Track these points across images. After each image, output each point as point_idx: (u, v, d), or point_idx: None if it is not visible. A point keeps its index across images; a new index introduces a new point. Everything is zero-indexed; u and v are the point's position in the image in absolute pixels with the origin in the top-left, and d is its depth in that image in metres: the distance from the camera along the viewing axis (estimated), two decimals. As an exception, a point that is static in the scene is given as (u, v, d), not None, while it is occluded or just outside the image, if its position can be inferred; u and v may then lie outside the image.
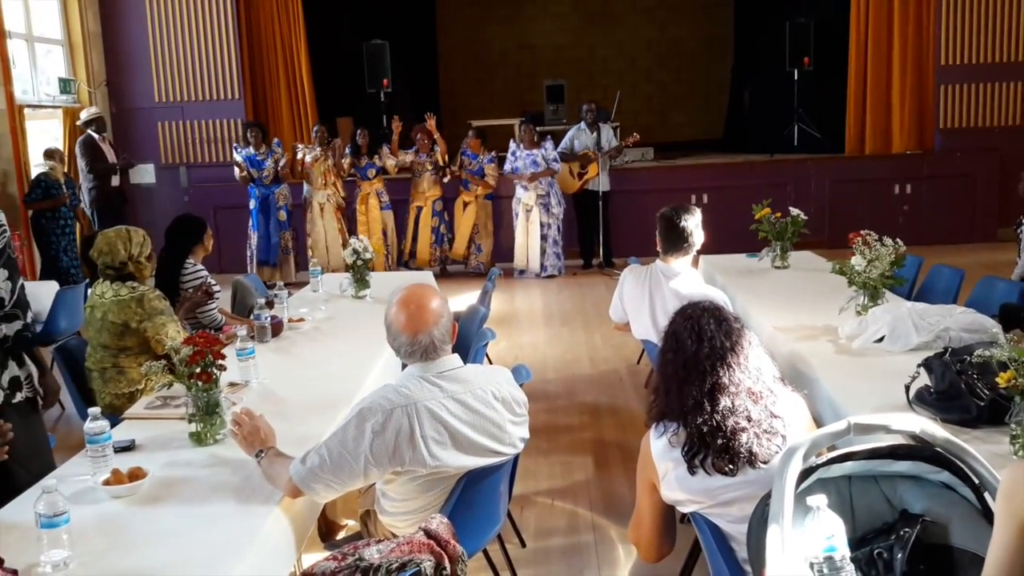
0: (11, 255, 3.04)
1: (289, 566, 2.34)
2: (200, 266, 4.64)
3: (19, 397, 3.11)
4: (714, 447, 2.09)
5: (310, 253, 9.23)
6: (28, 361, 3.15)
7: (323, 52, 11.22)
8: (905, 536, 1.73)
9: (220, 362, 2.75)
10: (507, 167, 9.36)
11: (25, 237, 8.27)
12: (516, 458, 2.64)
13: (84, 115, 9.16)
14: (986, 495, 1.76)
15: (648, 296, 4.06)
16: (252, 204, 9.24)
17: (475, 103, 13.93)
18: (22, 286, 3.06)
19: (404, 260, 9.57)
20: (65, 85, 9.74)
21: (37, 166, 8.49)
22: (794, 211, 5.32)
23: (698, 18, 14.82)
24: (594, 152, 9.29)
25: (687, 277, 4.02)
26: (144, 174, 10.46)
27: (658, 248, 4.09)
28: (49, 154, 8.34)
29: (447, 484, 2.41)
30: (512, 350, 6.49)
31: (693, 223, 3.99)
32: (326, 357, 3.85)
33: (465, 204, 9.53)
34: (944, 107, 10.21)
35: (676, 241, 4.00)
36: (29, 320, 3.08)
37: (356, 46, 10.81)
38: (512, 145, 9.42)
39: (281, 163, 9.16)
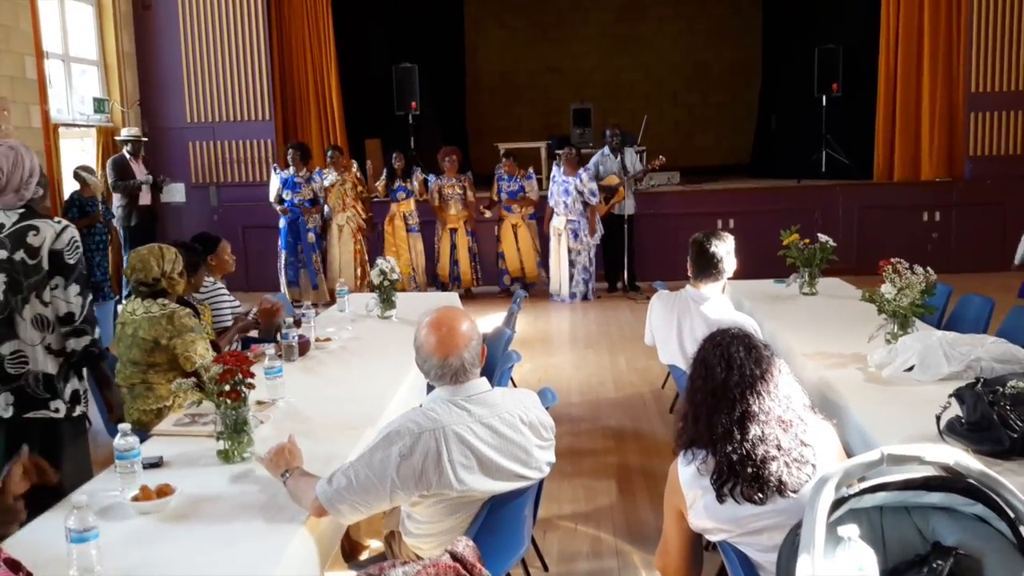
0: (83, 271, 3.12)
1: (314, 585, 2.34)
2: (219, 284, 4.66)
3: (77, 411, 3.19)
4: (743, 476, 2.07)
5: (327, 274, 9.31)
6: (84, 377, 3.21)
7: (353, 74, 11.35)
8: (938, 569, 1.70)
9: (249, 380, 2.77)
10: (548, 192, 9.43)
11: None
12: (541, 482, 2.63)
13: (124, 133, 9.29)
14: (1022, 529, 1.73)
15: (676, 321, 4.05)
16: (282, 224, 9.32)
17: (502, 126, 14.01)
18: (92, 302, 3.13)
19: (444, 283, 9.60)
20: (99, 105, 9.90)
21: (71, 184, 8.61)
22: (823, 237, 5.29)
23: (726, 43, 14.84)
24: (620, 175, 9.31)
25: (717, 303, 4.00)
26: (175, 193, 10.59)
27: (689, 273, 4.08)
28: (80, 173, 8.45)
29: (473, 507, 2.41)
30: (536, 372, 6.48)
31: (724, 249, 3.98)
32: (352, 377, 3.86)
33: (514, 226, 9.57)
34: (974, 134, 10.14)
35: (706, 267, 3.99)
36: (97, 336, 3.15)
37: (385, 69, 10.93)
38: (554, 169, 9.47)
39: (321, 196, 9.23)
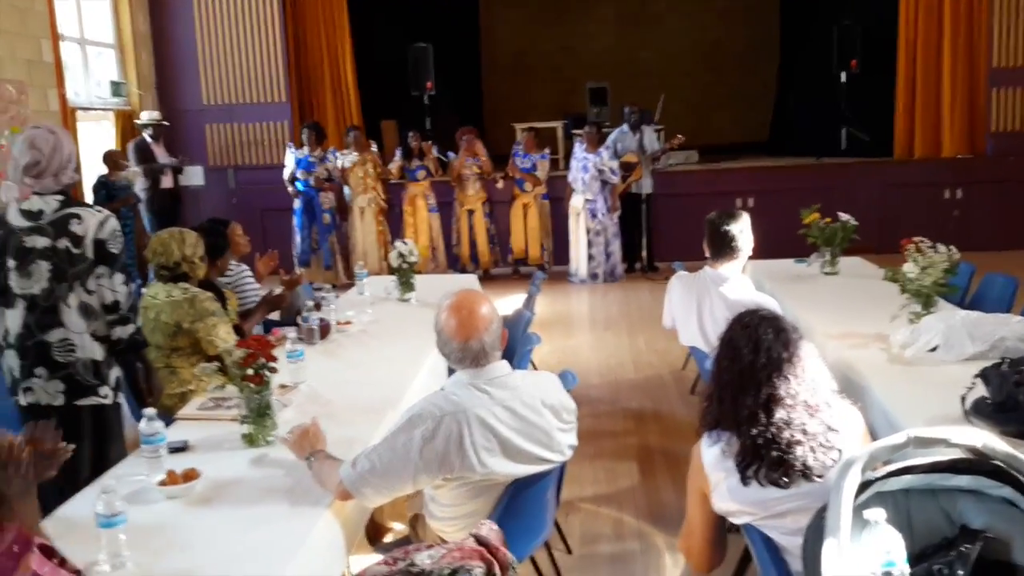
0: (125, 260, 3.13)
1: (339, 568, 2.37)
2: (244, 267, 4.69)
3: (120, 397, 3.23)
4: (768, 459, 2.07)
5: (351, 257, 9.31)
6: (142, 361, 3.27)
7: (367, 55, 11.32)
8: (966, 552, 1.70)
9: (272, 364, 2.79)
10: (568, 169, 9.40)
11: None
12: (563, 465, 2.64)
13: (145, 117, 9.31)
14: (1050, 512, 1.72)
15: (696, 303, 4.04)
16: (296, 205, 9.33)
17: (517, 106, 13.94)
18: (134, 291, 3.15)
19: (463, 265, 9.60)
20: (116, 88, 9.92)
21: (89, 168, 8.66)
22: (844, 216, 5.25)
23: (742, 20, 14.68)
24: (638, 154, 9.26)
25: (737, 283, 3.98)
26: (193, 176, 10.62)
27: (706, 254, 4.06)
28: (114, 157, 8.50)
29: (496, 491, 2.42)
30: (555, 354, 6.48)
31: (738, 228, 3.95)
32: (373, 360, 3.87)
33: (525, 206, 9.54)
34: (996, 110, 10.01)
35: (722, 246, 3.97)
36: (140, 323, 3.18)
37: (400, 49, 10.88)
38: (575, 146, 9.42)
39: (337, 175, 9.23)
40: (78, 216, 3.06)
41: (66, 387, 3.09)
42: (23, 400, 3.13)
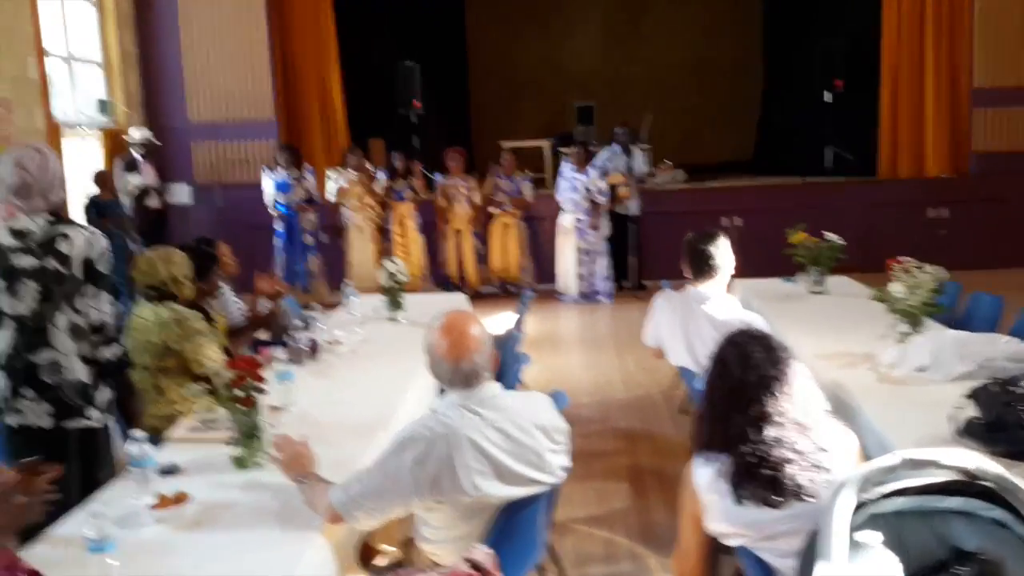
0: (113, 280, 3.11)
1: (331, 592, 2.35)
2: (222, 286, 4.63)
3: (108, 420, 3.19)
4: (760, 478, 2.08)
5: (348, 275, 9.27)
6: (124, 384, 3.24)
7: (355, 73, 11.34)
8: (959, 574, 1.70)
9: (261, 385, 2.77)
10: (555, 188, 9.44)
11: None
12: (555, 488, 2.64)
13: (136, 135, 9.28)
14: (1041, 533, 1.73)
15: (681, 322, 4.05)
16: (279, 227, 9.29)
17: (505, 124, 13.99)
18: (121, 312, 3.13)
19: (456, 284, 9.61)
20: (103, 106, 9.90)
21: (75, 186, 8.62)
22: (830, 236, 5.29)
23: (727, 38, 14.83)
24: (625, 176, 9.31)
25: (721, 302, 4.00)
26: (179, 194, 10.59)
27: (686, 275, 4.09)
28: (102, 177, 8.49)
29: (488, 513, 2.41)
30: (545, 373, 6.48)
31: (715, 247, 3.98)
32: (363, 380, 3.86)
33: (505, 226, 9.57)
34: (979, 130, 10.12)
35: (701, 266, 4.00)
36: (126, 345, 3.16)
37: (387, 67, 10.91)
38: (563, 164, 9.46)
39: (315, 194, 9.22)
40: (66, 235, 3.04)
41: (54, 409, 3.06)
42: (12, 421, 3.10)
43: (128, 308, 5.95)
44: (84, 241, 3.05)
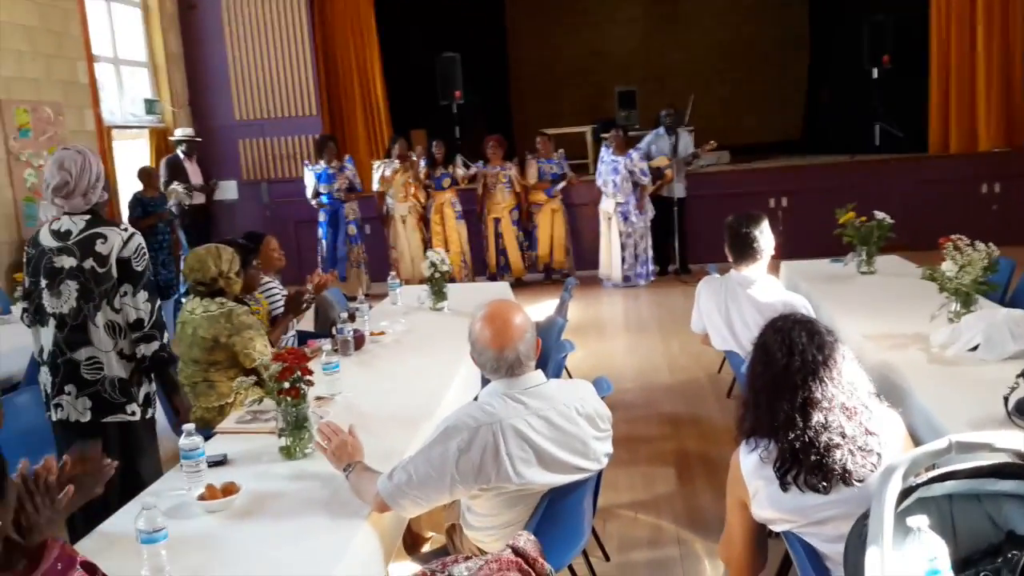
0: (151, 277, 3.18)
1: (378, 580, 2.37)
2: (270, 280, 4.68)
3: (150, 413, 3.27)
4: (807, 464, 2.04)
5: (394, 265, 9.34)
6: (160, 380, 3.29)
7: (396, 66, 11.41)
8: (1013, 559, 1.66)
9: (308, 378, 2.81)
10: (596, 174, 9.40)
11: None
12: (600, 472, 2.63)
13: (179, 133, 9.45)
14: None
15: (724, 307, 4.01)
16: (321, 217, 9.40)
17: (546, 112, 13.95)
18: (160, 308, 3.20)
19: (492, 273, 9.62)
20: (150, 106, 10.09)
21: (125, 185, 8.80)
22: (880, 215, 5.18)
23: (772, 17, 14.57)
24: (669, 158, 9.23)
25: (765, 284, 3.95)
26: (227, 191, 10.76)
27: (729, 258, 4.04)
28: (146, 173, 8.64)
29: (532, 500, 2.41)
30: (589, 359, 6.46)
31: (758, 230, 3.92)
32: (407, 370, 3.89)
33: (553, 211, 9.57)
34: (1034, 102, 9.83)
35: (743, 249, 3.94)
36: (166, 340, 3.21)
37: (428, 59, 10.94)
38: (602, 151, 9.42)
39: (357, 183, 9.31)
40: (103, 236, 3.11)
41: (93, 404, 3.15)
42: (54, 416, 3.21)
43: (178, 303, 6.09)
44: (120, 240, 3.12)
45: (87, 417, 3.15)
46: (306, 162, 9.56)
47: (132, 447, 3.20)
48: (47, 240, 3.17)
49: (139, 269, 3.14)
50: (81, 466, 1.97)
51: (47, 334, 3.18)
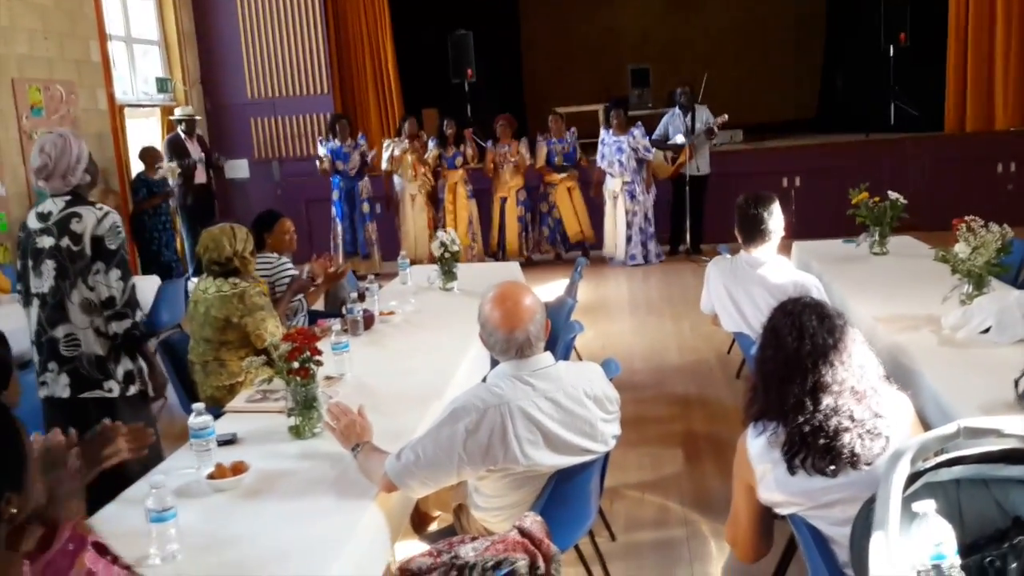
0: (124, 256, 3.23)
1: (385, 559, 2.39)
2: (285, 260, 4.69)
3: (132, 390, 3.30)
4: (815, 447, 2.03)
5: (403, 244, 9.36)
6: (140, 356, 3.33)
7: (408, 45, 11.35)
8: (1020, 544, 1.65)
9: (317, 358, 2.81)
10: (598, 155, 9.33)
11: (127, 233, 8.60)
12: (607, 453, 2.63)
13: (178, 112, 9.47)
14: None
15: (734, 288, 3.99)
16: (335, 196, 9.41)
17: (559, 90, 13.85)
18: (133, 286, 3.24)
19: (492, 252, 9.62)
20: (162, 84, 10.09)
21: (138, 164, 8.82)
22: (893, 195, 5.14)
23: (787, -5, 14.41)
24: (686, 136, 9.14)
25: (775, 265, 3.92)
26: (238, 169, 10.77)
27: (739, 239, 4.01)
28: (149, 153, 8.65)
29: (539, 481, 2.42)
30: (598, 339, 6.46)
31: (767, 211, 3.88)
32: (416, 350, 3.89)
33: (569, 189, 9.53)
34: (1052, 81, 9.70)
35: (752, 231, 3.91)
36: (139, 319, 3.25)
37: (440, 38, 10.89)
38: (602, 132, 9.36)
39: (370, 156, 9.34)
40: (79, 215, 3.17)
41: (71, 380, 3.22)
42: (41, 393, 3.29)
43: (181, 281, 6.10)
44: (94, 219, 3.18)
45: (67, 393, 3.23)
46: (320, 139, 9.57)
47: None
48: (32, 222, 3.27)
49: (112, 247, 3.18)
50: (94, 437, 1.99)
51: (34, 313, 3.27)
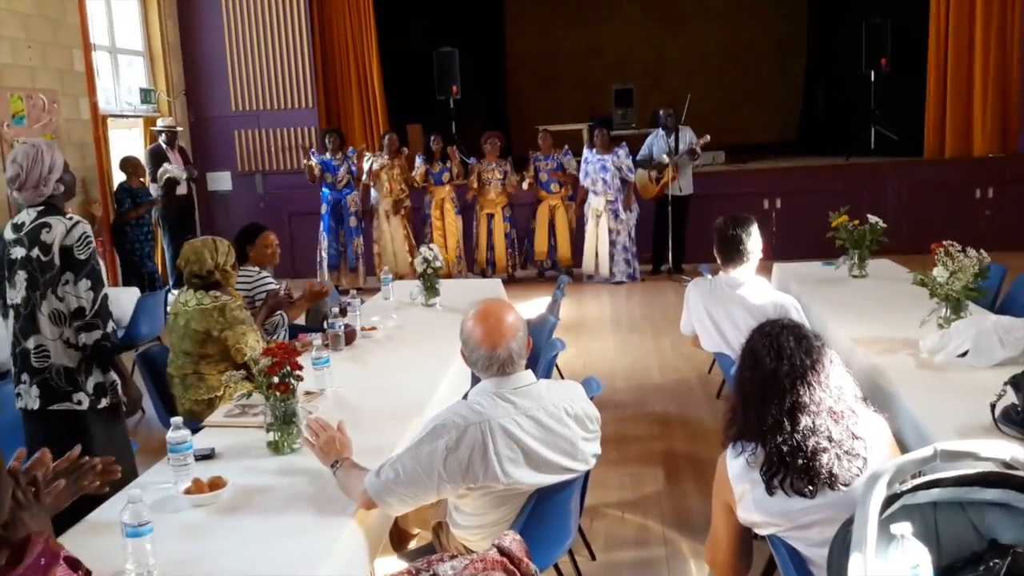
0: (95, 266, 3.19)
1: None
2: (265, 273, 4.68)
3: (103, 403, 3.25)
4: (794, 467, 2.05)
5: (377, 260, 9.36)
6: (112, 369, 3.29)
7: (393, 60, 11.37)
8: (995, 567, 1.66)
9: (297, 372, 2.80)
10: (581, 173, 9.36)
11: (108, 244, 8.56)
12: (588, 472, 2.63)
13: (160, 123, 9.44)
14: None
15: (713, 308, 4.01)
16: (324, 209, 9.40)
17: (543, 108, 13.93)
18: (105, 296, 3.20)
19: (481, 269, 9.62)
20: (146, 95, 10.06)
21: (120, 175, 8.77)
22: (872, 219, 5.19)
23: (770, 18, 14.58)
24: (670, 156, 9.18)
25: (754, 285, 3.95)
26: (221, 182, 10.74)
27: (717, 261, 4.04)
28: (131, 163, 8.61)
29: (519, 500, 2.41)
30: (580, 357, 6.47)
31: (746, 232, 3.92)
32: (398, 366, 3.88)
33: (552, 208, 9.53)
34: (1029, 108, 9.84)
35: (731, 252, 3.95)
36: (109, 330, 3.20)
37: (426, 53, 10.92)
38: (585, 151, 9.40)
39: (354, 170, 9.35)
40: (48, 225, 3.15)
41: (41, 392, 3.19)
42: (16, 404, 3.27)
43: (161, 294, 6.06)
44: (63, 228, 3.14)
45: (36, 404, 3.20)
46: (313, 151, 9.54)
47: (81, 437, 3.17)
48: (8, 233, 3.25)
49: (81, 258, 3.14)
50: (70, 465, 1.97)
51: (10, 324, 3.26)
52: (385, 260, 9.31)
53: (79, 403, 3.22)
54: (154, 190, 8.92)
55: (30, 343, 3.18)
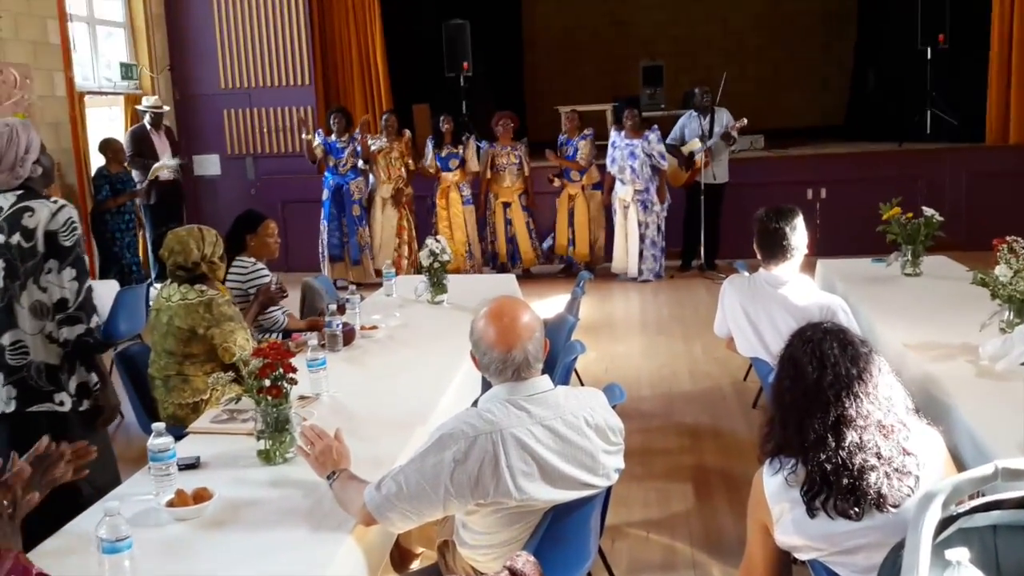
0: (80, 254, 3.17)
1: (362, 600, 2.38)
2: (261, 265, 4.72)
3: (86, 405, 3.25)
4: (838, 487, 2.04)
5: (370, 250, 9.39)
6: (93, 369, 3.28)
7: (399, 34, 11.39)
8: (1061, 598, 1.66)
9: (291, 375, 2.81)
10: (607, 158, 9.33)
11: (84, 232, 8.62)
12: (609, 488, 2.63)
13: (145, 102, 9.46)
14: None
15: (751, 309, 4.00)
16: (325, 195, 9.41)
17: (563, 87, 13.93)
18: (89, 288, 3.19)
19: (502, 263, 9.62)
20: (127, 70, 10.10)
21: (97, 157, 8.82)
22: (928, 211, 5.17)
23: (815, -11, 14.53)
24: (703, 140, 9.13)
25: (798, 285, 3.93)
26: (208, 165, 10.78)
27: (758, 256, 4.03)
28: (111, 147, 8.66)
29: (534, 517, 2.41)
30: (601, 362, 6.47)
31: (790, 226, 3.90)
32: (401, 369, 3.90)
33: (571, 197, 9.52)
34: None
35: (774, 247, 3.93)
36: (93, 325, 3.20)
37: (434, 27, 10.94)
38: (612, 133, 9.36)
39: (359, 152, 9.34)
40: (31, 209, 3.12)
41: (18, 392, 3.14)
42: None
43: (142, 287, 6.08)
44: (48, 213, 3.12)
45: (11, 407, 3.13)
46: (319, 131, 9.54)
47: (63, 441, 3.19)
48: None
49: (67, 244, 3.12)
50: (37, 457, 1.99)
51: None
52: (374, 252, 9.31)
53: (61, 404, 3.19)
54: (135, 176, 8.96)
55: (5, 339, 3.14)
